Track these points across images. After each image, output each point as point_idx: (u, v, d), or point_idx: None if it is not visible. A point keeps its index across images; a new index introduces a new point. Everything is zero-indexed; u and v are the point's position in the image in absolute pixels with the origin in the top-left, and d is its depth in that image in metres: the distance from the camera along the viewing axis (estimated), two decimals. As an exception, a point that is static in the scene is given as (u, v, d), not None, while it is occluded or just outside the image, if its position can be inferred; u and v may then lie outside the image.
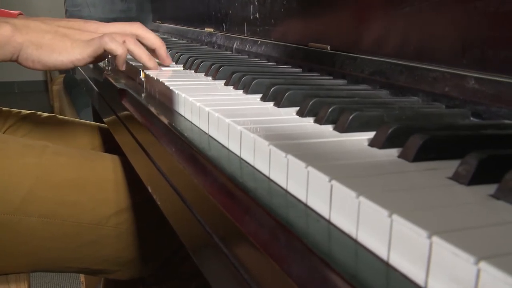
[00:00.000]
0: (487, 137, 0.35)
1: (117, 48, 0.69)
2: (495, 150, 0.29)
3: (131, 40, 0.72)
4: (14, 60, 0.68)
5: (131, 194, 0.76)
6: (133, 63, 0.81)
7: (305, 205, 0.30)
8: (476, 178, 0.27)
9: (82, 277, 1.44)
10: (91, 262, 0.76)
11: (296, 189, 0.31)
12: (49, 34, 0.68)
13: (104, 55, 0.71)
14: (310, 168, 0.30)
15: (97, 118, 1.45)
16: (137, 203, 0.76)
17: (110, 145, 0.99)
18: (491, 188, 0.26)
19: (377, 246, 0.24)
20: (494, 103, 0.42)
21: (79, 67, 1.25)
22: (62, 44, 0.68)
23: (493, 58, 0.43)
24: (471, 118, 0.44)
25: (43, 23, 0.69)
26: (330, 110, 0.42)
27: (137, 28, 0.76)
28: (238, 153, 0.40)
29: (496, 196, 0.26)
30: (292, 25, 0.80)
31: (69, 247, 0.73)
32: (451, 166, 0.29)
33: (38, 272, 1.81)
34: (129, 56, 0.91)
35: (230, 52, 0.99)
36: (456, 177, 0.28)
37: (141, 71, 0.72)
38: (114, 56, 0.71)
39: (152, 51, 0.77)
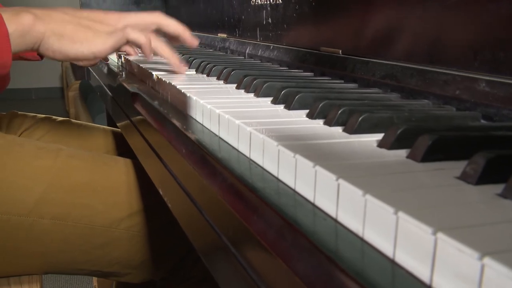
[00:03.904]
0: (495, 138, 0.35)
1: (139, 37, 0.70)
2: (503, 150, 0.28)
3: (151, 35, 0.73)
4: (35, 50, 0.68)
5: (143, 197, 0.77)
6: (145, 66, 0.82)
7: (313, 204, 0.30)
8: (484, 178, 0.27)
9: (94, 280, 1.45)
10: (103, 265, 0.76)
11: (304, 189, 0.32)
12: (71, 25, 0.68)
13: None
14: (317, 168, 0.30)
15: (111, 123, 1.47)
16: (149, 206, 0.77)
17: (123, 149, 0.99)
18: (499, 187, 0.26)
19: (383, 243, 0.24)
20: (505, 105, 0.42)
21: (93, 73, 1.27)
22: (84, 35, 0.68)
23: (504, 61, 0.43)
24: (482, 121, 0.44)
25: (65, 13, 0.69)
26: (339, 112, 0.42)
27: (158, 17, 0.77)
28: (247, 154, 0.40)
29: (503, 195, 0.26)
30: (304, 30, 0.80)
31: (81, 249, 0.73)
32: (459, 166, 0.29)
33: (51, 275, 1.83)
34: (140, 60, 0.92)
35: (243, 57, 1.00)
36: (464, 177, 0.28)
37: (154, 74, 0.73)
38: (139, 47, 0.72)
39: (175, 38, 0.80)
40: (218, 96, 0.57)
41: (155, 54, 0.75)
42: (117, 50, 0.73)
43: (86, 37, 0.68)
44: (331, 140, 0.38)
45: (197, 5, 1.38)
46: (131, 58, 0.97)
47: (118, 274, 0.79)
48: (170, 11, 1.68)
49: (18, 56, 0.80)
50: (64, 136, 0.98)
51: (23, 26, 0.64)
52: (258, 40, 0.95)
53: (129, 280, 0.81)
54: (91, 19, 0.71)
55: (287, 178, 0.34)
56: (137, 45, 0.72)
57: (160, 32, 0.80)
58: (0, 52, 0.62)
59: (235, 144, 0.43)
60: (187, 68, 0.84)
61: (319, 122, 0.44)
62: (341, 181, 0.28)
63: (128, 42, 0.71)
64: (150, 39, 0.72)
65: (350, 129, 0.40)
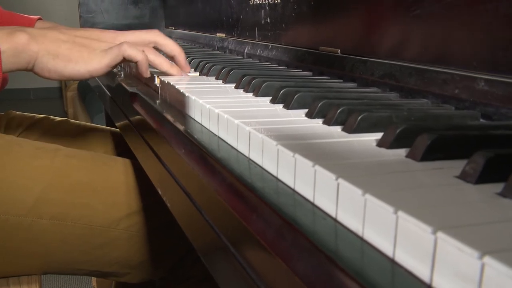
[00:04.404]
0: (495, 137, 0.35)
1: (136, 54, 0.69)
2: (502, 149, 0.28)
3: (149, 49, 0.72)
4: (30, 70, 0.67)
5: (142, 197, 0.77)
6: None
7: (312, 204, 0.30)
8: (483, 177, 0.27)
9: (93, 281, 1.45)
10: (102, 265, 0.76)
11: (303, 188, 0.32)
12: (66, 44, 0.67)
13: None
14: (317, 167, 0.30)
15: (110, 123, 1.47)
16: (148, 206, 0.77)
17: (122, 149, 0.99)
18: (498, 186, 0.26)
19: (383, 243, 0.24)
20: (504, 104, 0.42)
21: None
22: (79, 54, 0.67)
23: (503, 60, 0.43)
24: (481, 120, 0.44)
25: (61, 32, 0.68)
26: (338, 111, 0.42)
27: (155, 36, 0.76)
28: (246, 154, 0.40)
29: (503, 194, 0.26)
30: (302, 30, 0.80)
31: (80, 249, 0.73)
32: (458, 165, 0.29)
33: (50, 276, 1.83)
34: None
35: (241, 57, 1.00)
36: (463, 176, 0.28)
37: (156, 77, 0.72)
38: (135, 64, 0.71)
39: (171, 58, 0.78)
40: (217, 95, 0.57)
41: (154, 68, 0.74)
42: (114, 67, 0.71)
43: (82, 56, 0.67)
44: (330, 139, 0.38)
45: (196, 5, 1.38)
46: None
47: (117, 274, 0.79)
48: (169, 11, 1.68)
49: None
50: (63, 136, 0.98)
51: (17, 44, 0.63)
52: (257, 39, 0.95)
53: (128, 280, 0.81)
54: (87, 36, 0.70)
55: (286, 177, 0.34)
56: (134, 62, 0.71)
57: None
58: None
59: (234, 144, 0.43)
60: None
61: (318, 122, 0.44)
62: (340, 180, 0.28)
63: (125, 60, 0.70)
64: (147, 56, 0.71)
65: (349, 129, 0.40)
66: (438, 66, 0.50)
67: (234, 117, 0.43)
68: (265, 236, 0.30)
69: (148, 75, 0.73)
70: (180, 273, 0.82)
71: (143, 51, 0.70)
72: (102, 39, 0.72)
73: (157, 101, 0.64)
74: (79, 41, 0.68)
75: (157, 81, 0.72)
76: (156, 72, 0.75)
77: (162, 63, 0.72)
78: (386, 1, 0.59)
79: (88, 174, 0.75)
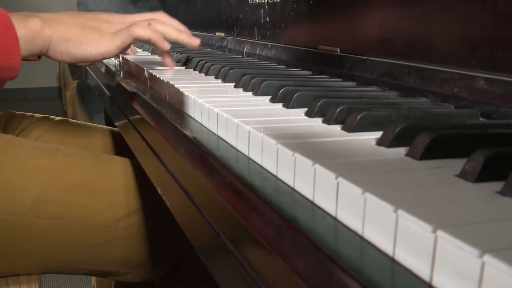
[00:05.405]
0: (494, 136, 0.35)
1: (146, 33, 0.71)
2: (502, 148, 0.28)
3: (155, 21, 0.74)
4: (43, 54, 0.69)
5: (141, 196, 0.77)
6: (143, 65, 0.82)
7: (312, 203, 0.30)
8: (483, 175, 0.27)
9: (93, 280, 1.45)
10: (101, 264, 0.76)
11: (303, 187, 0.31)
12: (77, 27, 0.69)
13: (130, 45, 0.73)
14: (317, 166, 0.30)
15: (109, 123, 1.46)
16: (147, 205, 0.77)
17: (121, 148, 0.99)
18: (498, 185, 0.26)
19: (383, 241, 0.24)
20: (503, 103, 0.42)
21: (91, 72, 1.27)
22: (91, 36, 0.69)
23: (502, 58, 0.43)
24: (480, 119, 0.44)
25: (71, 16, 0.71)
26: (338, 110, 0.42)
27: (161, 17, 0.78)
28: (246, 153, 0.40)
29: (502, 193, 0.26)
30: (302, 29, 0.80)
31: (79, 248, 0.73)
32: (458, 164, 0.29)
33: (49, 275, 1.83)
34: (138, 59, 0.92)
35: (241, 56, 1.00)
36: (463, 175, 0.28)
37: (145, 70, 0.74)
38: (146, 42, 0.73)
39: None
40: (217, 95, 0.57)
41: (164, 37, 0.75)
42: (125, 49, 0.73)
43: (93, 39, 0.69)
44: (330, 138, 0.38)
45: (195, 4, 1.38)
46: (129, 57, 0.97)
47: (116, 273, 0.79)
48: (167, 10, 1.67)
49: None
50: (62, 135, 0.98)
51: (32, 30, 0.65)
52: (256, 39, 0.95)
53: (128, 280, 0.81)
54: (97, 19, 0.72)
55: (286, 176, 0.34)
56: (146, 41, 0.74)
57: None
58: (10, 55, 0.63)
59: (233, 143, 0.42)
60: (183, 67, 0.84)
61: (318, 121, 0.44)
62: (340, 179, 0.28)
63: (134, 41, 0.72)
64: (156, 30, 0.73)
65: (349, 127, 0.40)
66: (437, 65, 0.50)
67: (234, 116, 0.43)
68: (265, 235, 0.30)
69: (167, 47, 0.75)
70: (180, 272, 0.82)
71: (149, 25, 0.72)
72: (112, 21, 0.74)
73: (156, 100, 0.64)
74: (90, 24, 0.71)
75: (146, 74, 0.73)
76: (148, 67, 0.76)
77: (170, 31, 0.75)
78: (385, 0, 0.59)
79: (87, 174, 0.75)
